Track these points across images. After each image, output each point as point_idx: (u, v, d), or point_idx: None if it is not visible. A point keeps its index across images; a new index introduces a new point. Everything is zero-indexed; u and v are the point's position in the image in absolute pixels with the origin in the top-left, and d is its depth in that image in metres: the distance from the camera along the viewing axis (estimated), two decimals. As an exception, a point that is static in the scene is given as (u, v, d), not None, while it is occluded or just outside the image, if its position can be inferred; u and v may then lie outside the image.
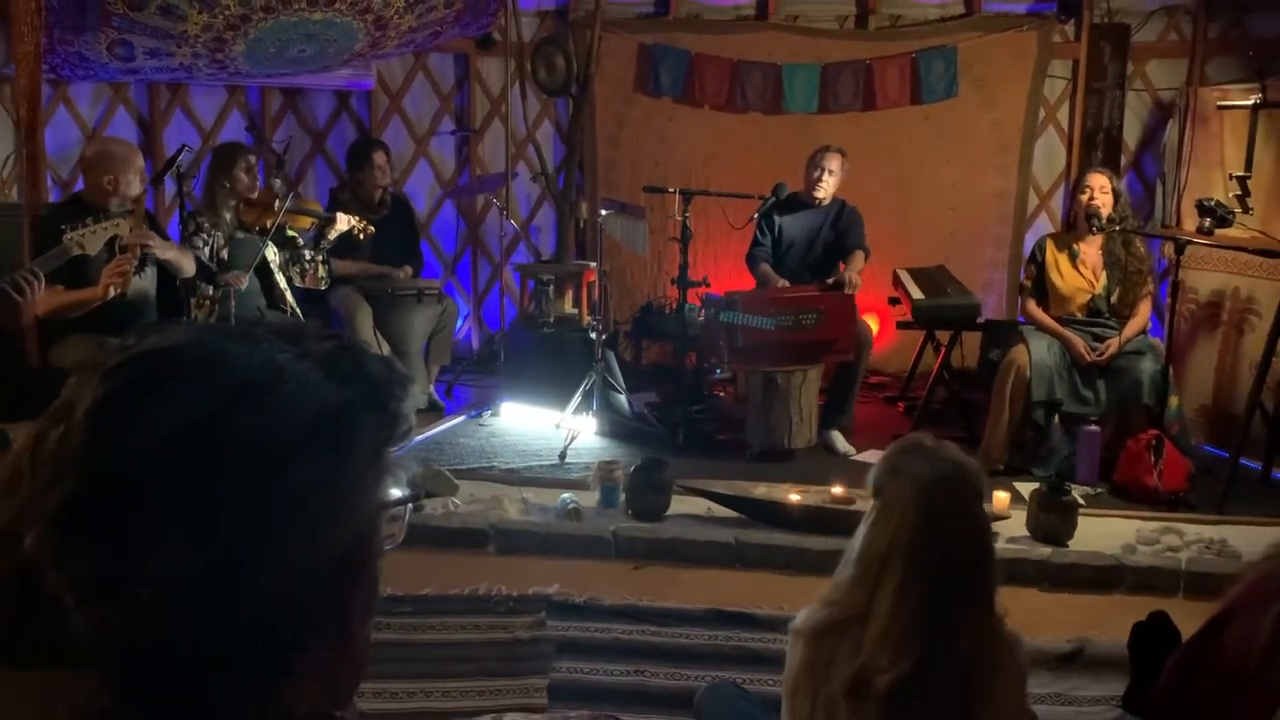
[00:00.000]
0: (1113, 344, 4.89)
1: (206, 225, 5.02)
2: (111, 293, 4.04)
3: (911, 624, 1.80)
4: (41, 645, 1.83)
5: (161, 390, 0.68)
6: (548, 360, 5.76)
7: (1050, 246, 5.15)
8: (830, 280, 5.34)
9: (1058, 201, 6.85)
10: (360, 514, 0.73)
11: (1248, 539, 4.20)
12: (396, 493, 0.77)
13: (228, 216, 5.15)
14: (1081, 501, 4.41)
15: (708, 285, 5.68)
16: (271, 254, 5.19)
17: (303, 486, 0.68)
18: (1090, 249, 5.07)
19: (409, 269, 6.10)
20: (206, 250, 4.95)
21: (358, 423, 0.72)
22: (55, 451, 0.69)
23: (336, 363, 0.73)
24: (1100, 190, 5.01)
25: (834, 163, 5.53)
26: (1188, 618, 2.76)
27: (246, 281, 5.01)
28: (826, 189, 5.54)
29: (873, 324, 6.03)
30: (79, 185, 5.04)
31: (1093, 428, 4.85)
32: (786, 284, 5.50)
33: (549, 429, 5.46)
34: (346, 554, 0.72)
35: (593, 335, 5.46)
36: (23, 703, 2.08)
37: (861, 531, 1.93)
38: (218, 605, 0.66)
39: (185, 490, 0.66)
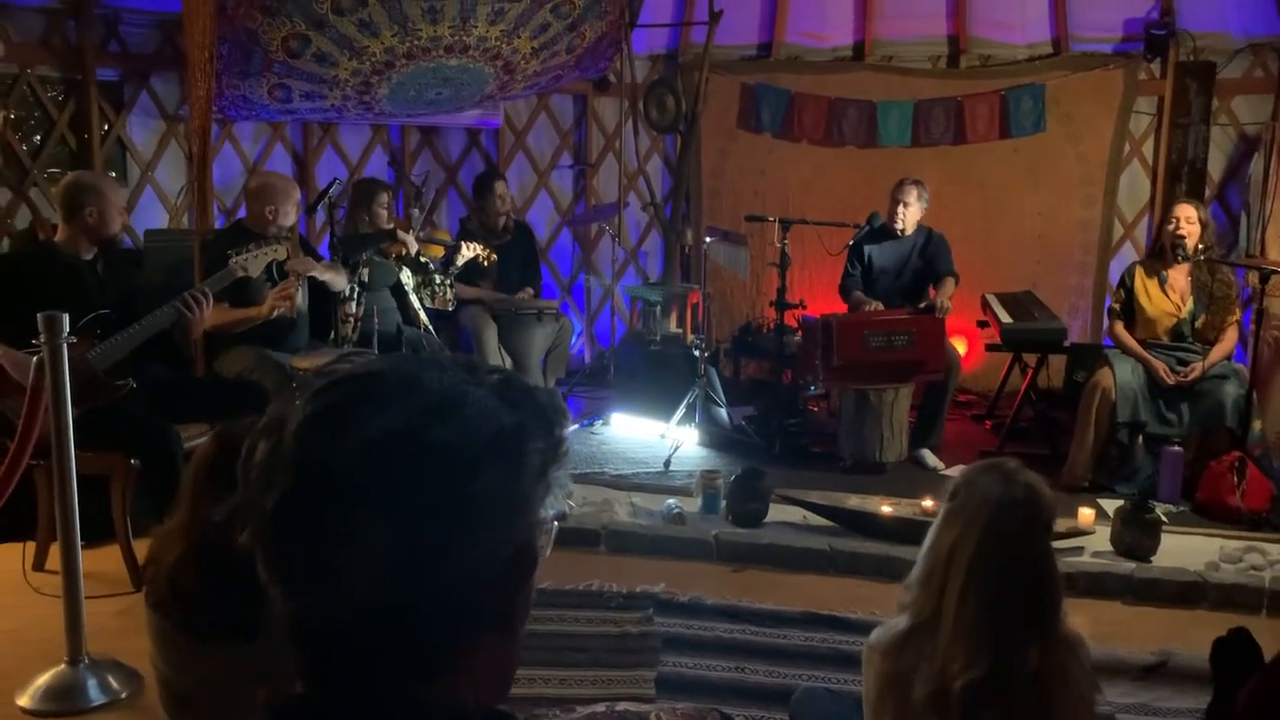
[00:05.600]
0: (1197, 367, 4.72)
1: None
2: (276, 313, 4.17)
3: (977, 630, 1.77)
4: (220, 622, 1.93)
5: (366, 406, 0.73)
6: (654, 375, 5.78)
7: (1140, 272, 4.99)
8: (923, 305, 5.26)
9: (1142, 231, 6.66)
10: (527, 523, 0.77)
11: (1332, 561, 4.01)
12: (551, 510, 0.81)
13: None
14: (1164, 519, 4.26)
15: (804, 307, 5.67)
16: (406, 277, 5.34)
17: (484, 495, 0.72)
18: (1178, 275, 4.89)
19: (530, 290, 6.20)
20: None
21: (529, 443, 0.76)
22: (268, 460, 0.73)
23: (507, 390, 0.77)
24: (1186, 221, 4.84)
25: (910, 195, 5.45)
26: (1272, 636, 2.66)
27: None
28: (904, 220, 5.47)
29: (960, 346, 5.92)
30: (241, 213, 5.22)
31: (1175, 448, 4.69)
32: (879, 306, 5.43)
33: (655, 438, 5.49)
34: (515, 558, 0.76)
35: (696, 352, 5.48)
36: (199, 667, 2.18)
37: (931, 532, 1.93)
38: (407, 596, 0.70)
39: (385, 493, 0.70)
